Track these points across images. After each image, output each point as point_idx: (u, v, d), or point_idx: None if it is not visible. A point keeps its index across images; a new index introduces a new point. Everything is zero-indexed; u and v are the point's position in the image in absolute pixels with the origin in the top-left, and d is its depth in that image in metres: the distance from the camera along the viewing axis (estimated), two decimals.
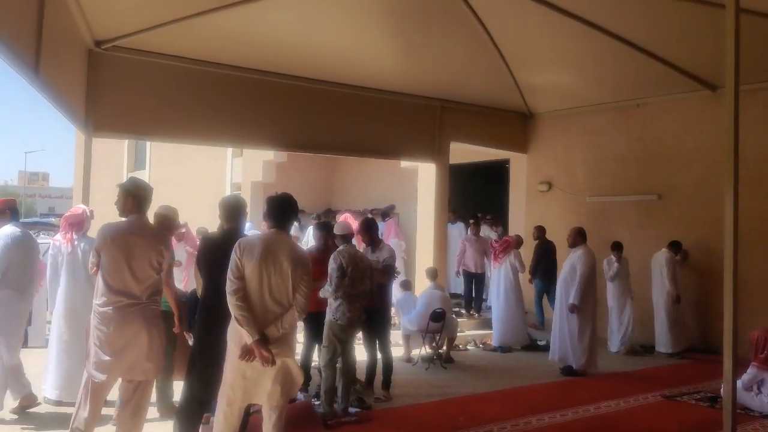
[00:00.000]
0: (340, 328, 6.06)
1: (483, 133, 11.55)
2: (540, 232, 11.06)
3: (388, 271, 6.91)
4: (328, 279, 6.05)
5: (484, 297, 11.63)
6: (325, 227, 7.27)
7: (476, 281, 11.41)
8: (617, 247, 9.76)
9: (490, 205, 13.55)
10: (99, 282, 4.34)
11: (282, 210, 4.35)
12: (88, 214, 6.35)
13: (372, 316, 6.72)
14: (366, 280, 6.20)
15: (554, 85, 10.83)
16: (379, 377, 6.97)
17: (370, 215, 10.24)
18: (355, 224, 7.68)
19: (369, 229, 7.13)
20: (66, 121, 7.41)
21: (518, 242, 10.32)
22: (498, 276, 10.08)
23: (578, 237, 8.44)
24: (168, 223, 5.75)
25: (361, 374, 7.01)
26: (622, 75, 9.93)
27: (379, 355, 7.00)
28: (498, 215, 13.23)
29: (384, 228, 11.89)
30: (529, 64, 9.98)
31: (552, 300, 10.96)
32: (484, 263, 11.20)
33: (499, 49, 9.24)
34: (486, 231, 12.57)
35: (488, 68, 9.86)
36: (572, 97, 11.19)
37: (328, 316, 6.13)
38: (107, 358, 4.25)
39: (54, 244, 6.29)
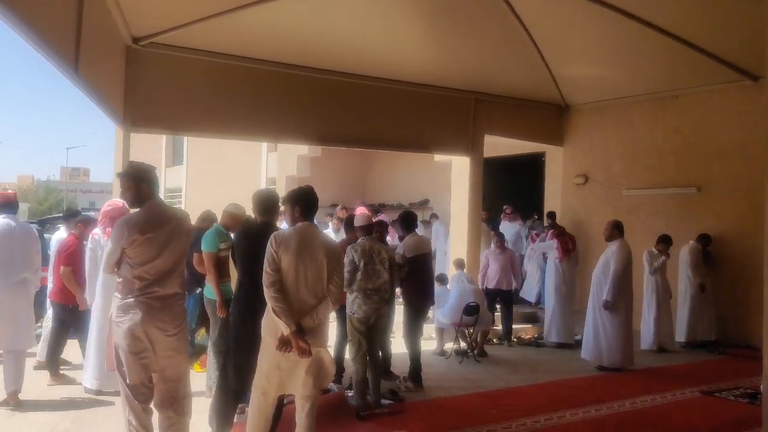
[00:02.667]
0: (358, 322, 6.09)
1: (518, 126, 11.45)
2: (552, 217, 11.18)
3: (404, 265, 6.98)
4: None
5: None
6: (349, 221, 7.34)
7: (502, 300, 9.86)
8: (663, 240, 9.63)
9: (525, 199, 13.44)
10: (125, 277, 4.00)
11: (313, 203, 4.40)
12: (127, 207, 6.48)
13: (408, 308, 6.96)
14: (383, 274, 6.16)
15: (590, 77, 10.69)
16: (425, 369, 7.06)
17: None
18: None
19: (402, 222, 7.18)
20: (105, 117, 7.57)
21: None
22: (557, 269, 9.80)
23: (615, 230, 8.29)
24: (236, 221, 6.17)
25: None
26: (660, 66, 9.75)
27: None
28: (515, 207, 12.90)
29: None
30: (564, 55, 9.87)
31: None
32: (510, 279, 9.85)
33: (534, 41, 9.16)
34: (506, 227, 12.25)
35: (523, 60, 9.78)
36: (608, 89, 11.04)
37: (347, 310, 6.19)
38: (134, 356, 3.98)
39: (93, 238, 6.42)
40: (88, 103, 6.52)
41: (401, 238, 7.39)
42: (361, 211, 7.63)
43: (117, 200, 6.71)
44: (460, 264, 9.35)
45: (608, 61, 10.04)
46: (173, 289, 4.09)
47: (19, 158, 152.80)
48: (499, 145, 11.83)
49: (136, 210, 4.16)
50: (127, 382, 4.02)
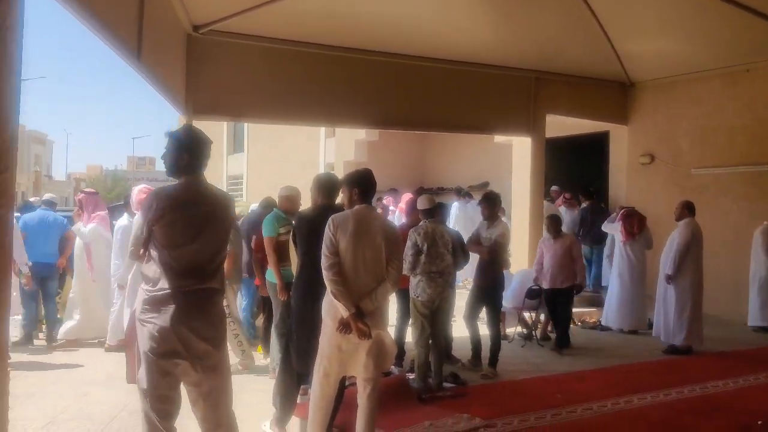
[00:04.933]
0: (422, 305, 6.08)
1: (580, 105, 11.15)
2: (589, 195, 10.93)
3: (493, 248, 6.79)
4: (404, 256, 5.80)
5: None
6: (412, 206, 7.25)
7: (558, 301, 8.09)
8: None
9: (588, 181, 13.09)
10: (153, 263, 3.36)
11: (371, 185, 4.37)
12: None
13: (481, 292, 6.87)
14: (447, 256, 6.11)
15: (656, 52, 10.32)
16: (486, 353, 6.91)
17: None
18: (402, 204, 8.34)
19: (489, 204, 7.02)
20: (169, 106, 7.74)
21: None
22: (621, 252, 9.42)
23: (685, 210, 8.14)
24: (291, 203, 6.26)
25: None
26: (730, 38, 9.33)
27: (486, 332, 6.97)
28: (572, 190, 12.21)
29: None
30: (628, 30, 9.54)
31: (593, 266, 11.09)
32: (568, 274, 8.01)
33: (596, 16, 8.88)
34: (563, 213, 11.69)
35: (585, 36, 9.50)
36: (675, 64, 10.63)
37: (410, 294, 6.16)
38: (157, 360, 3.30)
39: (125, 228, 6.58)
40: (152, 93, 6.67)
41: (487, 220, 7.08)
42: (408, 198, 7.56)
43: (148, 185, 6.90)
44: None
45: (674, 35, 9.66)
46: (208, 284, 3.39)
47: (88, 149, 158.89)
48: (561, 125, 11.56)
49: (172, 184, 3.54)
50: (144, 387, 3.33)
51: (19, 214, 7.85)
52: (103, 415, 5.27)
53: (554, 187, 12.32)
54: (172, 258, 3.30)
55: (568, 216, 11.60)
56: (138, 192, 6.80)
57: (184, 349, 3.29)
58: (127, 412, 5.28)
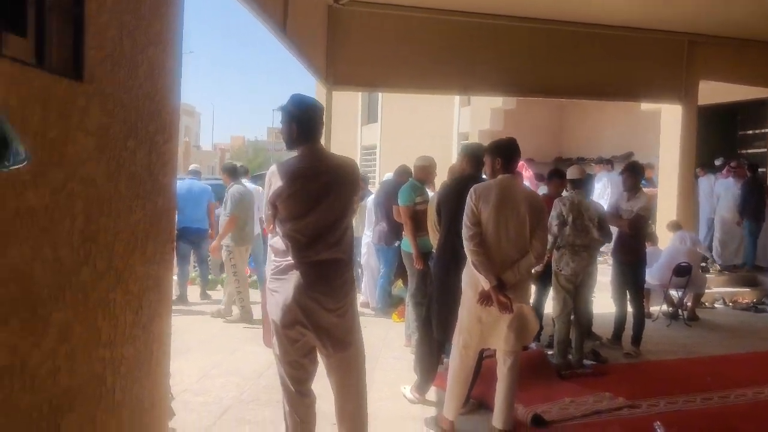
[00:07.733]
0: (565, 279, 5.89)
1: (740, 69, 10.23)
2: (751, 170, 10.13)
3: (635, 221, 6.43)
4: (547, 227, 5.57)
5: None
6: (558, 174, 6.97)
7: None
8: None
9: (743, 151, 12.13)
10: (279, 237, 3.38)
11: (515, 154, 4.25)
12: None
13: (623, 268, 6.60)
14: (592, 230, 5.87)
15: None
16: (628, 332, 6.66)
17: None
18: (528, 173, 8.51)
19: (632, 174, 6.69)
20: (306, 77, 7.96)
21: None
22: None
23: None
24: (427, 173, 6.38)
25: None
26: None
27: (630, 309, 6.70)
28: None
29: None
30: None
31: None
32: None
33: None
34: (728, 185, 10.81)
35: None
36: None
37: (553, 267, 5.98)
38: (284, 330, 3.32)
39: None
40: (292, 64, 6.87)
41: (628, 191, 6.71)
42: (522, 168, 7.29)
43: None
44: (675, 226, 8.70)
45: None
46: (332, 255, 3.32)
47: (232, 120, 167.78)
48: (712, 92, 10.71)
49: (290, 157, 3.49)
50: (277, 353, 3.41)
51: None
52: (251, 371, 5.56)
53: (733, 163, 11.07)
54: (295, 230, 3.28)
55: (732, 188, 10.75)
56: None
57: (308, 321, 3.27)
58: (273, 370, 5.52)
